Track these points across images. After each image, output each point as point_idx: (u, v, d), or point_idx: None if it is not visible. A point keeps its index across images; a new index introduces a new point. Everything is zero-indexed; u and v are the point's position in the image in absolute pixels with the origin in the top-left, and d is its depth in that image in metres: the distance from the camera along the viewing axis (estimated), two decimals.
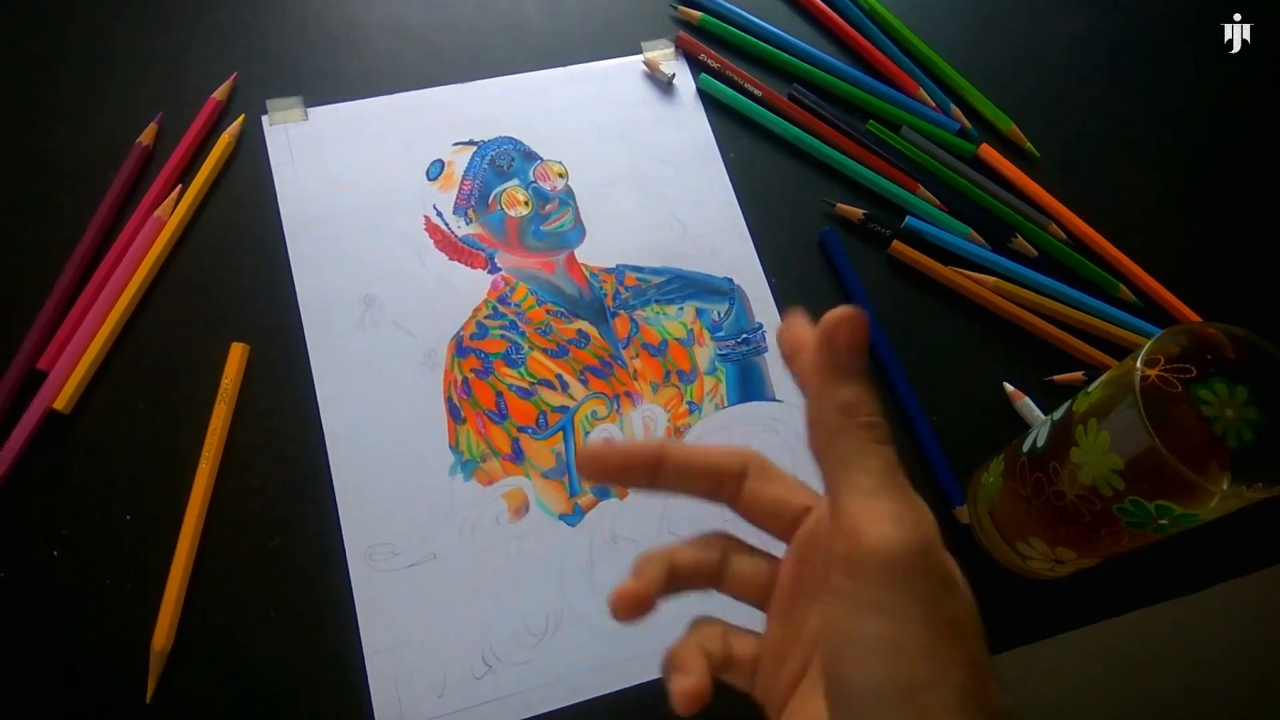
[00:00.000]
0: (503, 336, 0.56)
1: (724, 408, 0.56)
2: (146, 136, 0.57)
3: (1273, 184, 0.68)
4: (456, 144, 0.60)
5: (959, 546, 0.54)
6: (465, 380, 0.54)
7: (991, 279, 0.60)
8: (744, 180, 0.62)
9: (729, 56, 0.66)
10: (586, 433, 0.54)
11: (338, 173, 0.58)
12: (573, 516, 0.52)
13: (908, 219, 0.62)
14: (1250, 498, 0.39)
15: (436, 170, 0.59)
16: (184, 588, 0.47)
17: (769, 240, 0.61)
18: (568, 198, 0.60)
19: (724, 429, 0.55)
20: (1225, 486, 0.39)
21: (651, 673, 0.48)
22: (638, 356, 0.56)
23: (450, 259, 0.57)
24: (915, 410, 0.56)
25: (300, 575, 0.49)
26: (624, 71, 0.65)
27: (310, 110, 0.60)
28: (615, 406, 0.55)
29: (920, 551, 0.24)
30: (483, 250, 0.58)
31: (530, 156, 0.61)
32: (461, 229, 0.58)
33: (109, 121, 0.58)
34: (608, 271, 0.58)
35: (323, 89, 0.61)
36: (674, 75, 0.65)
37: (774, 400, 0.56)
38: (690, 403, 0.56)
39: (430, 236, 0.57)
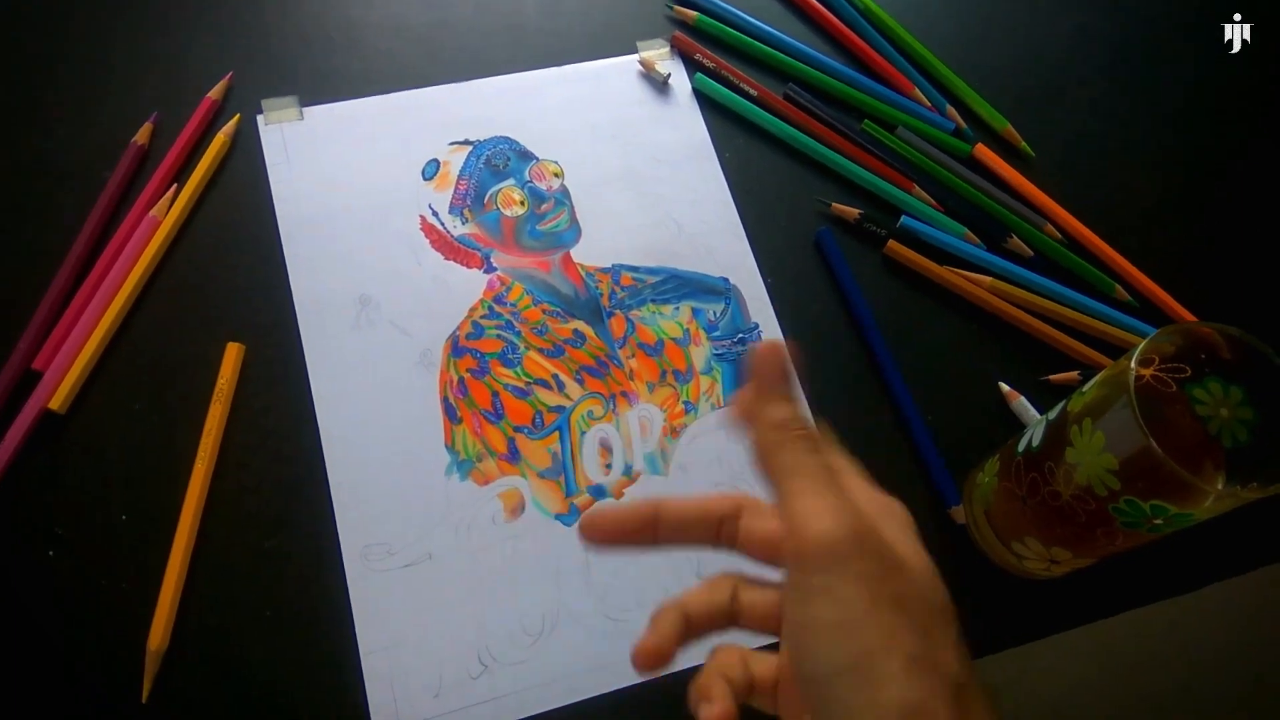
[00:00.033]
0: (499, 336, 0.56)
1: (720, 407, 0.56)
2: (142, 136, 0.57)
3: (1269, 184, 0.69)
4: (452, 144, 0.60)
5: (954, 546, 0.54)
6: (461, 380, 0.54)
7: (987, 279, 0.61)
8: (740, 180, 0.62)
9: (725, 56, 0.66)
10: (582, 432, 0.54)
11: (333, 172, 0.58)
12: (569, 516, 0.52)
13: (903, 219, 0.62)
14: (1245, 498, 0.39)
15: (432, 170, 0.59)
16: (180, 587, 0.47)
17: (765, 240, 0.61)
18: (563, 197, 0.60)
19: (720, 428, 0.55)
20: (1220, 486, 0.40)
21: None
22: (634, 356, 0.56)
23: (446, 259, 0.57)
24: (911, 410, 0.56)
25: (296, 575, 0.49)
26: (619, 71, 0.65)
27: (306, 110, 0.60)
28: (611, 406, 0.55)
29: (854, 538, 0.27)
30: (478, 250, 0.58)
31: (526, 156, 0.61)
32: (457, 228, 0.58)
33: (104, 121, 0.57)
34: (604, 271, 0.58)
35: (318, 88, 0.61)
36: (669, 75, 0.65)
37: None
38: (686, 402, 0.56)
39: (426, 236, 0.57)
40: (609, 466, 0.53)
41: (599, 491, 0.53)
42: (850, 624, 0.26)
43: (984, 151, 0.66)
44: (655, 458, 0.54)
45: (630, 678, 0.48)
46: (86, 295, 0.53)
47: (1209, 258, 0.65)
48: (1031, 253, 0.63)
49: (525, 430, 0.53)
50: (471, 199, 0.59)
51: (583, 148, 0.62)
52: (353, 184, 0.58)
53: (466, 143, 0.61)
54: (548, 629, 0.49)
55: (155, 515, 0.48)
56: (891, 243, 0.61)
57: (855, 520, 0.28)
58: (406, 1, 0.65)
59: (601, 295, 0.58)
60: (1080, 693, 1.25)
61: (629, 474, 0.53)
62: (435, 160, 0.60)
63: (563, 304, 0.57)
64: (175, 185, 0.56)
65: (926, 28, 0.70)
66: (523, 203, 0.59)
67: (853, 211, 0.61)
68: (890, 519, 0.31)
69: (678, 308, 0.58)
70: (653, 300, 0.58)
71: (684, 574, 0.51)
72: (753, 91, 0.64)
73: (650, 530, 0.32)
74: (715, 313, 0.58)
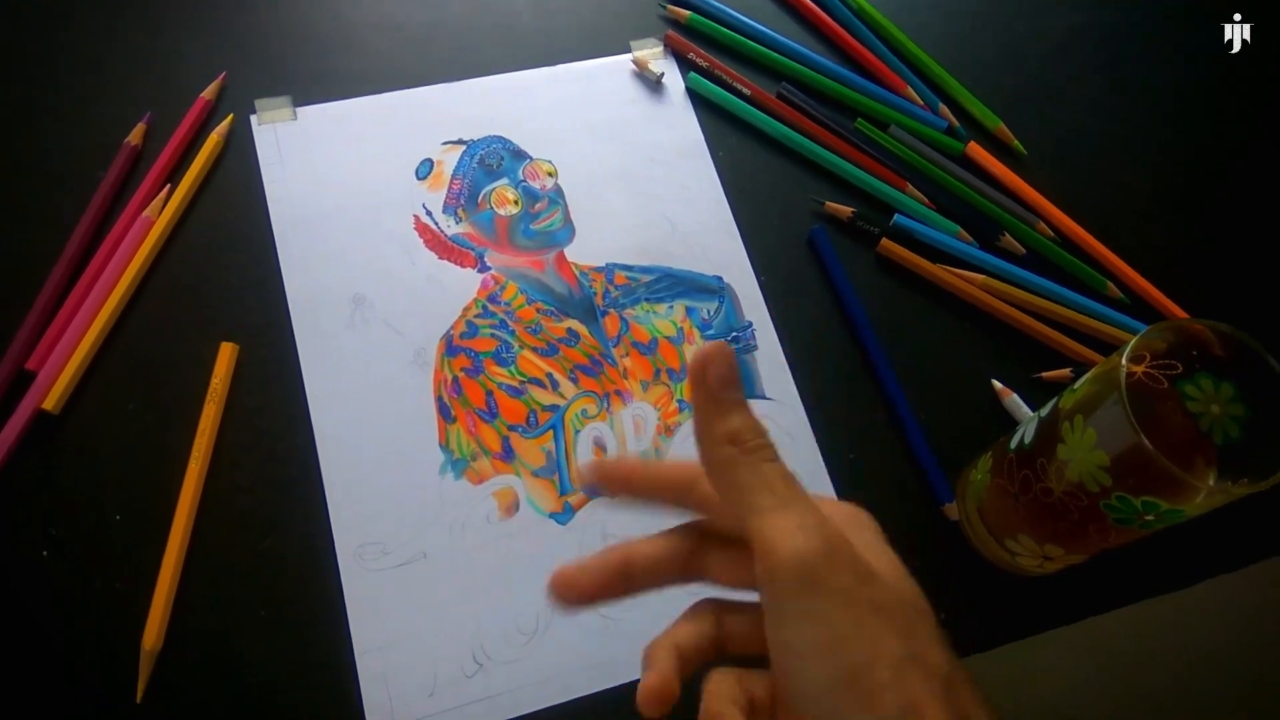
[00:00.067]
0: (493, 335, 0.56)
1: None
2: (135, 136, 0.57)
3: (1261, 181, 0.69)
4: (446, 143, 0.60)
5: (948, 544, 0.54)
6: (455, 379, 0.54)
7: (980, 277, 0.61)
8: (733, 179, 0.62)
9: (718, 55, 0.66)
10: (577, 431, 0.54)
11: (327, 172, 0.58)
12: (563, 515, 0.52)
13: (896, 217, 0.62)
14: (1236, 493, 0.39)
15: (426, 169, 0.59)
16: (174, 587, 0.47)
17: (758, 238, 0.61)
18: (557, 196, 0.60)
19: None
20: (1211, 482, 0.40)
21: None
22: (628, 355, 0.56)
23: (440, 258, 0.57)
24: (904, 407, 0.56)
25: (290, 574, 0.49)
26: (613, 70, 0.65)
27: (299, 110, 0.60)
28: (605, 405, 0.55)
29: (827, 552, 0.26)
30: (472, 249, 0.58)
31: (519, 155, 0.61)
32: (451, 228, 0.58)
33: (98, 121, 0.58)
34: (597, 270, 0.58)
35: (312, 88, 0.61)
36: (663, 74, 0.65)
37: (764, 398, 0.56)
38: (680, 401, 0.56)
39: (420, 236, 0.58)
40: None
41: (593, 490, 0.53)
42: (835, 641, 0.26)
43: (976, 150, 0.66)
44: (649, 456, 0.54)
45: (624, 676, 0.48)
46: (80, 296, 0.53)
47: (1201, 255, 0.66)
48: (1024, 250, 0.63)
49: (519, 429, 0.54)
50: (465, 198, 0.59)
51: (576, 147, 0.62)
52: (346, 184, 0.58)
53: (460, 142, 0.61)
54: (542, 628, 0.49)
55: (149, 515, 0.48)
56: (884, 241, 0.61)
57: (826, 533, 0.27)
58: (400, 1, 0.65)
59: (595, 294, 0.58)
60: (1080, 692, 1.24)
61: None
62: (429, 160, 0.60)
63: (557, 303, 0.57)
64: (169, 185, 0.56)
65: (919, 26, 0.70)
66: (516, 202, 0.59)
67: (846, 210, 0.61)
68: (855, 524, 0.30)
69: (671, 306, 0.58)
70: (647, 299, 0.58)
71: None
72: (746, 90, 0.64)
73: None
74: (709, 311, 0.58)
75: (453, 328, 0.55)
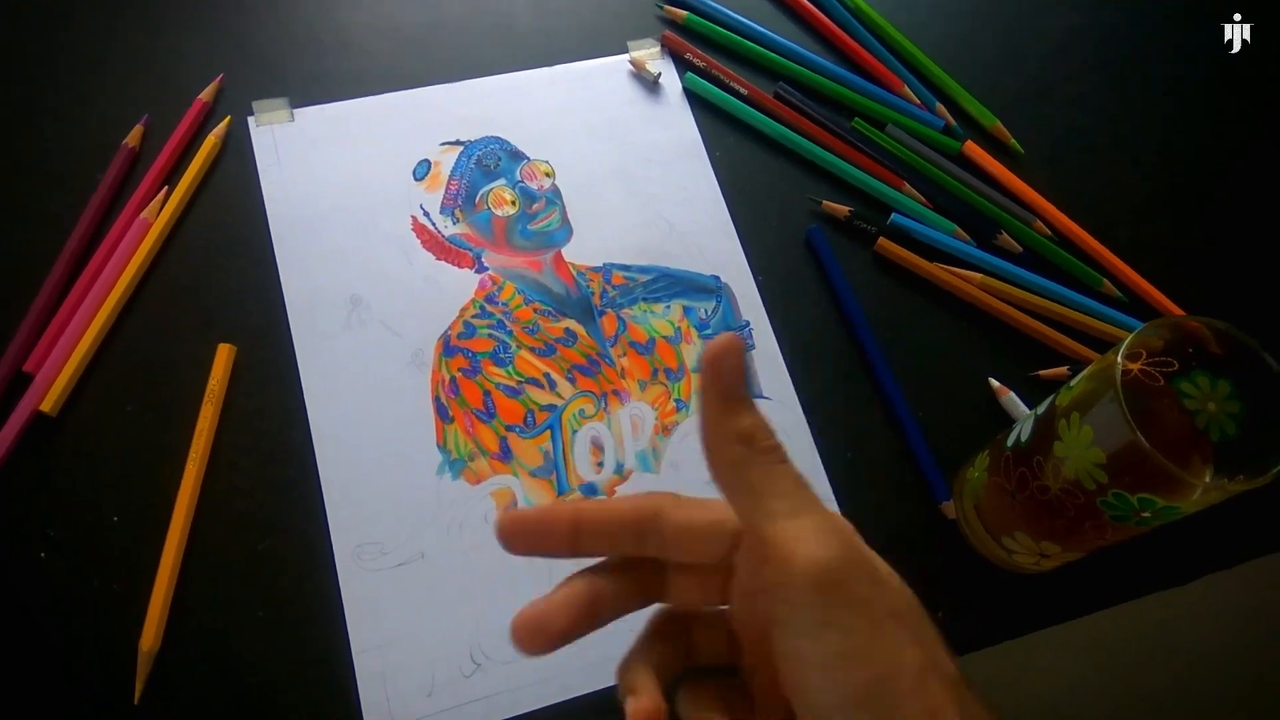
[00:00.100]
0: (490, 336, 0.56)
1: None
2: (133, 138, 0.57)
3: (1259, 180, 0.69)
4: (443, 144, 0.61)
5: (945, 541, 0.54)
6: (453, 379, 0.54)
7: (977, 275, 0.61)
8: (730, 178, 0.62)
9: (715, 55, 0.66)
10: (574, 431, 0.54)
11: (324, 173, 0.58)
12: None
13: (893, 216, 0.62)
14: (1232, 490, 0.39)
15: (423, 170, 0.59)
16: (172, 588, 0.47)
17: (755, 238, 0.61)
18: (554, 197, 0.60)
19: None
20: (1207, 479, 0.40)
21: None
22: (625, 355, 0.56)
23: (437, 259, 0.57)
24: (901, 406, 0.56)
25: (288, 575, 0.49)
26: (610, 71, 0.65)
27: (296, 111, 0.60)
28: (603, 405, 0.55)
29: (847, 560, 0.25)
30: (470, 250, 0.58)
31: (517, 156, 0.61)
32: (448, 229, 0.58)
33: (95, 123, 0.58)
34: (595, 270, 0.58)
35: (309, 90, 0.61)
36: (660, 74, 0.65)
37: (761, 397, 0.56)
38: (678, 400, 0.56)
39: (417, 236, 0.58)
40: (601, 465, 0.54)
41: (591, 490, 0.53)
42: (856, 651, 0.25)
43: (973, 149, 0.66)
44: (647, 456, 0.54)
45: None
46: (78, 297, 0.53)
47: (1197, 253, 0.66)
48: (1020, 249, 0.63)
49: (517, 429, 0.54)
50: (463, 199, 0.59)
51: (574, 147, 0.62)
52: (344, 185, 0.58)
53: (457, 143, 0.61)
54: None
55: (147, 516, 0.48)
56: (881, 240, 0.61)
57: (844, 539, 0.26)
58: (397, 2, 0.65)
59: (593, 294, 0.58)
60: (1080, 692, 1.25)
61: (621, 472, 0.54)
62: (426, 161, 0.60)
63: (554, 303, 0.57)
64: (166, 187, 0.56)
65: (916, 26, 0.70)
66: (514, 202, 0.60)
67: (843, 209, 0.62)
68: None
69: (669, 306, 0.58)
70: (644, 299, 0.58)
71: None
72: (743, 90, 0.65)
73: (570, 541, 0.29)
74: (706, 311, 0.58)
75: (450, 328, 0.55)
